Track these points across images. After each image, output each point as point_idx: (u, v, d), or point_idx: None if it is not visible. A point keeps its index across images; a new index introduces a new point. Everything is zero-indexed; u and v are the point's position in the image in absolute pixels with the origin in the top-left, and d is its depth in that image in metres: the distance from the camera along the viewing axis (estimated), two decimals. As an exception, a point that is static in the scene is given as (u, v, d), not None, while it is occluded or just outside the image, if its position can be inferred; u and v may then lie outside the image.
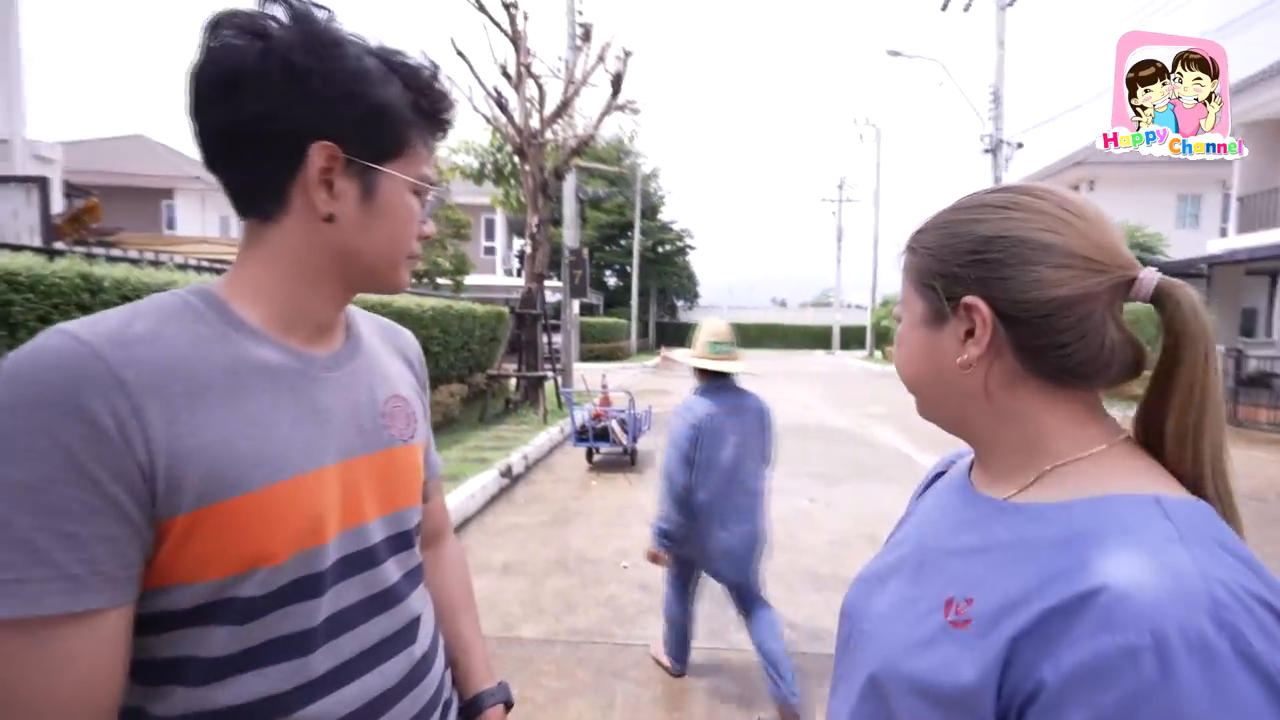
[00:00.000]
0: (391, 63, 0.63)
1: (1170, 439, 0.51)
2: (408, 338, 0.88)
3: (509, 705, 0.85)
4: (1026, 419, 0.54)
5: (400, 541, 0.72)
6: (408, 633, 0.71)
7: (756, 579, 2.44)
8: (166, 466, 0.53)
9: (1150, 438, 0.53)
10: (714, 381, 2.42)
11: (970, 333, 0.55)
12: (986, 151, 14.49)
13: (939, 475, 0.74)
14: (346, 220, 0.63)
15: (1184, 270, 14.03)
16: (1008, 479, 0.56)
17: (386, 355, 0.79)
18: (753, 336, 38.09)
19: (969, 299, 0.54)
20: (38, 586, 0.48)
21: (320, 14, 0.61)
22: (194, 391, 0.56)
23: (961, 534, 0.56)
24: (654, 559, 2.42)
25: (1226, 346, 11.53)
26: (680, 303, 37.68)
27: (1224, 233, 14.87)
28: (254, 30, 0.58)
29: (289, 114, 0.58)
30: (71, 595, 0.49)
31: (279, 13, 0.60)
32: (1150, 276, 0.51)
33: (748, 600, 2.44)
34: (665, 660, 2.67)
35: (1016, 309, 0.52)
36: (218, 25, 0.58)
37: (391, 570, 0.70)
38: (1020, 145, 14.44)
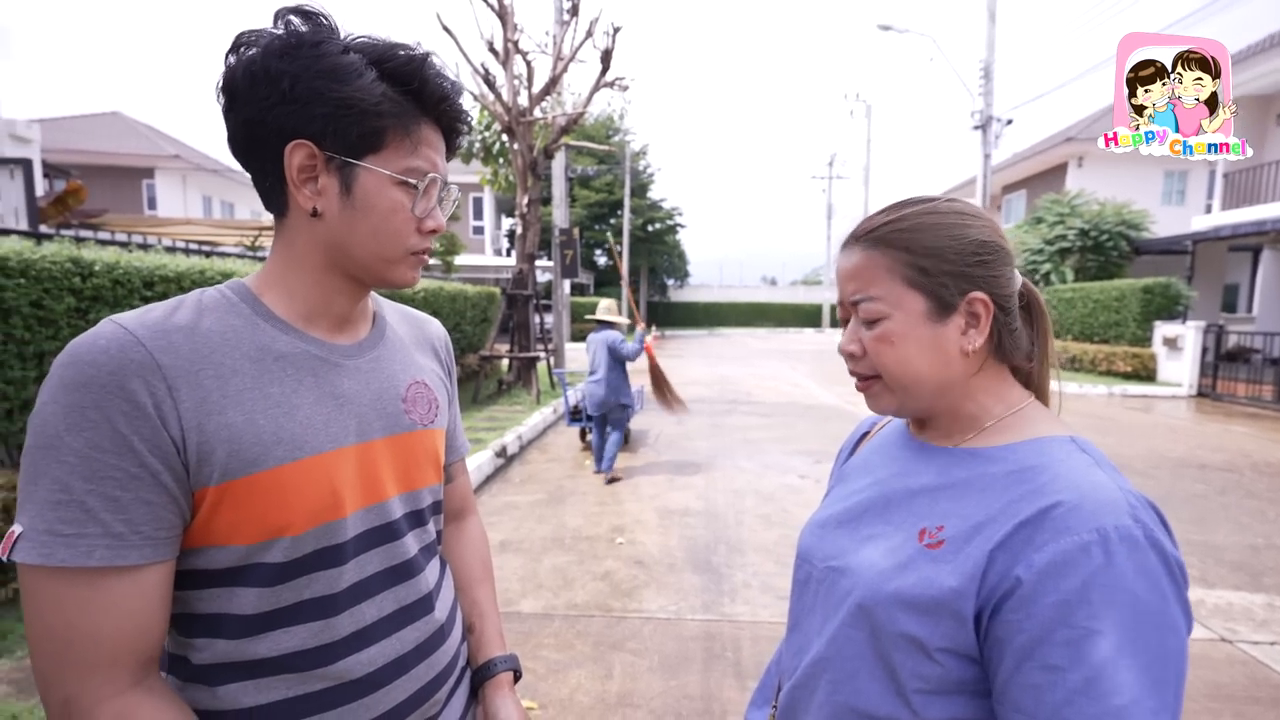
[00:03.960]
0: (372, 55, 0.63)
1: (1040, 389, 0.70)
2: (435, 327, 0.92)
3: (518, 676, 0.88)
4: (986, 392, 0.67)
5: (417, 518, 0.77)
6: (425, 603, 0.75)
7: (614, 417, 5.46)
8: (197, 443, 0.59)
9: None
10: (600, 324, 5.57)
11: (969, 325, 0.64)
12: (976, 128, 14.44)
13: (862, 437, 0.85)
14: (331, 215, 0.66)
15: (1168, 247, 14.18)
16: (955, 434, 0.68)
17: (412, 344, 0.83)
18: (743, 315, 37.86)
19: (976, 294, 0.63)
20: (88, 542, 0.55)
21: (315, 19, 0.64)
22: (223, 376, 0.62)
23: (920, 477, 0.67)
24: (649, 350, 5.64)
25: (1208, 323, 11.70)
26: (671, 281, 37.27)
27: (1209, 209, 14.98)
28: (250, 43, 0.63)
29: (269, 117, 0.62)
30: (115, 551, 0.56)
31: (284, 24, 0.63)
32: (1020, 278, 0.68)
33: (610, 424, 5.50)
34: (596, 468, 5.50)
35: (1002, 301, 0.65)
36: (235, 45, 0.63)
37: (411, 544, 0.75)
38: (1010, 121, 14.42)
